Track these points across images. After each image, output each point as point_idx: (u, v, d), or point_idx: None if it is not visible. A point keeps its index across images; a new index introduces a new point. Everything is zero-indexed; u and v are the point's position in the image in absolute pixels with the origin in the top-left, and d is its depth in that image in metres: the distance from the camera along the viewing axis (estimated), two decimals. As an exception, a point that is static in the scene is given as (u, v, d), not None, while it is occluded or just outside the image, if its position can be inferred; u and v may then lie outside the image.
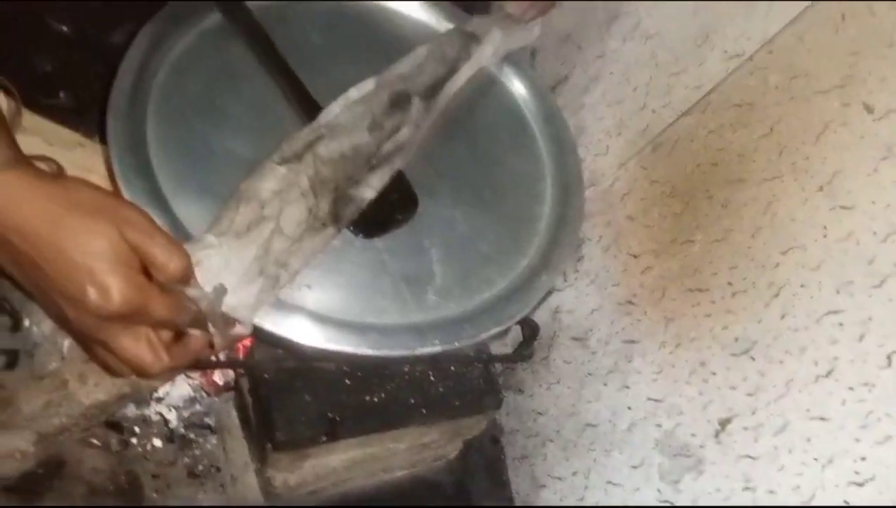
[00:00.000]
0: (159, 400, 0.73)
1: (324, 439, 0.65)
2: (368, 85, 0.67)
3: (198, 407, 0.74)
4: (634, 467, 0.71)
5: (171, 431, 0.73)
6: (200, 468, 0.73)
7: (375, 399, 0.67)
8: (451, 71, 0.73)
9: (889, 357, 0.51)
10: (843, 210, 0.56)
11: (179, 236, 0.56)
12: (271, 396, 0.65)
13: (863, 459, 0.52)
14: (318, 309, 0.58)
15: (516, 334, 0.76)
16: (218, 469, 0.74)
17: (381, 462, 0.77)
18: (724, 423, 0.62)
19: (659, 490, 0.68)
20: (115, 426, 0.70)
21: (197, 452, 0.73)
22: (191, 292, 0.49)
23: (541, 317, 0.83)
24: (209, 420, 0.74)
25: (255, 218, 0.55)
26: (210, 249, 0.53)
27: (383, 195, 0.63)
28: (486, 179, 0.74)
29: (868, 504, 0.52)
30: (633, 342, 0.73)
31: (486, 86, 0.80)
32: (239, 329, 0.53)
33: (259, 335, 0.57)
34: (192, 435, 0.73)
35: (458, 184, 0.71)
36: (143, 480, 0.70)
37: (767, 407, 0.59)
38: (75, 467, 0.67)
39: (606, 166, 0.80)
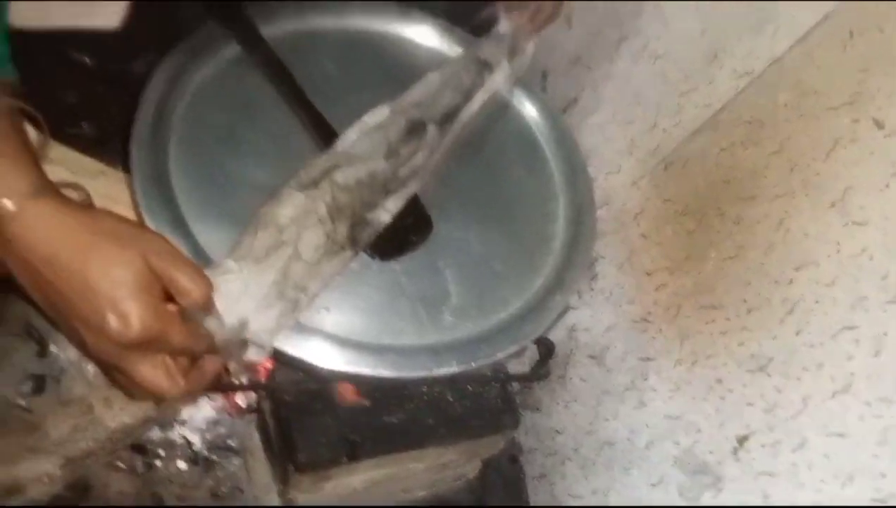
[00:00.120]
0: (183, 423, 0.74)
1: (345, 460, 0.66)
2: (383, 112, 0.69)
3: (221, 429, 0.75)
4: (653, 485, 0.71)
5: (195, 453, 0.74)
6: (224, 489, 0.74)
7: (394, 420, 0.68)
8: (466, 98, 0.75)
9: (905, 373, 0.52)
10: (856, 226, 0.56)
11: (200, 261, 0.57)
12: (293, 418, 0.66)
13: (883, 476, 0.52)
14: (337, 331, 0.59)
15: (533, 352, 0.77)
16: (241, 491, 0.74)
17: (401, 483, 0.77)
18: (741, 440, 0.62)
19: (678, 508, 0.68)
20: (140, 449, 0.72)
21: (220, 474, 0.74)
22: (210, 322, 0.50)
23: (557, 335, 0.83)
24: (232, 442, 0.75)
25: (273, 243, 0.57)
26: (230, 274, 0.54)
27: (399, 219, 0.65)
28: (499, 200, 0.75)
29: (889, 520, 0.52)
30: (648, 359, 0.73)
31: (498, 109, 0.82)
32: (255, 356, 0.54)
33: (279, 357, 0.58)
34: (215, 457, 0.74)
35: (472, 206, 0.72)
36: (168, 502, 0.71)
37: (785, 424, 0.59)
38: (101, 490, 0.69)
39: (619, 185, 0.80)
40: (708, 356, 0.67)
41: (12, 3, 0.52)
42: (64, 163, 0.66)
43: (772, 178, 0.63)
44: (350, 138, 0.66)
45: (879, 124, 0.55)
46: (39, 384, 0.64)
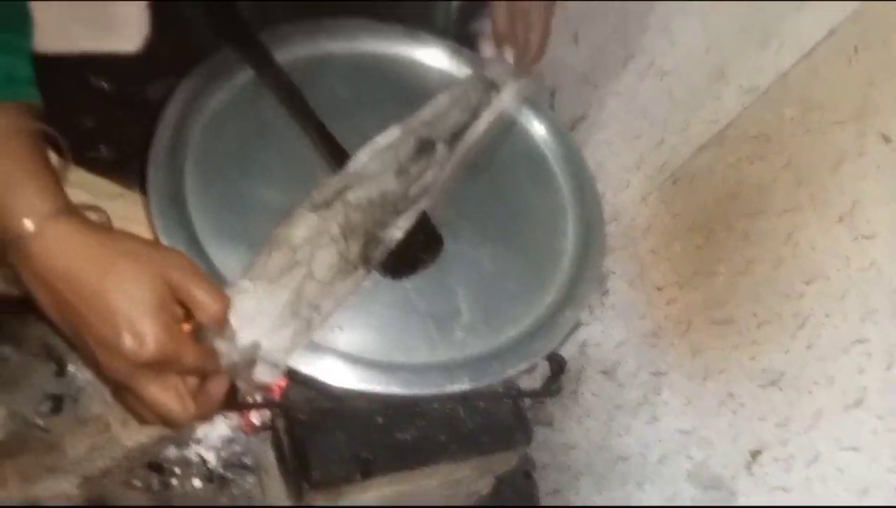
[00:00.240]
0: (198, 441, 0.75)
1: (358, 477, 0.67)
2: (394, 133, 0.70)
3: (236, 447, 0.76)
4: (667, 500, 0.71)
5: (211, 471, 0.74)
6: (239, 506, 0.74)
7: (407, 437, 0.69)
8: (474, 117, 0.76)
9: (917, 385, 0.52)
10: (865, 239, 0.56)
11: (215, 281, 0.58)
12: (306, 436, 0.66)
13: (897, 489, 0.52)
14: (350, 350, 0.60)
15: (545, 368, 0.77)
16: (256, 508, 0.75)
17: (415, 499, 0.78)
18: (755, 454, 0.62)
19: (692, 523, 0.68)
20: (157, 467, 0.72)
21: (235, 491, 0.75)
22: (221, 345, 0.51)
23: (568, 351, 0.83)
24: (247, 460, 0.76)
25: (287, 263, 0.58)
26: (244, 293, 0.55)
27: (410, 237, 0.65)
28: (508, 217, 0.75)
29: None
30: (660, 374, 0.73)
31: (506, 127, 0.82)
32: (268, 375, 0.55)
33: (293, 376, 0.58)
34: (230, 475, 0.75)
35: (482, 224, 0.73)
36: (184, 520, 0.72)
37: (798, 438, 0.59)
38: (118, 508, 0.69)
39: (627, 201, 0.81)
40: (720, 371, 0.67)
41: (31, 27, 0.53)
42: (83, 186, 0.67)
43: (779, 192, 0.63)
44: (361, 159, 0.67)
45: (886, 138, 0.55)
46: (57, 403, 0.65)
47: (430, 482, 0.75)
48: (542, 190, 0.80)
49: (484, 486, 0.85)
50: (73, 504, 0.66)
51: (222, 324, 0.51)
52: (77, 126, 0.80)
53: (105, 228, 0.50)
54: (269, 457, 0.75)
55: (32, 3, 0.52)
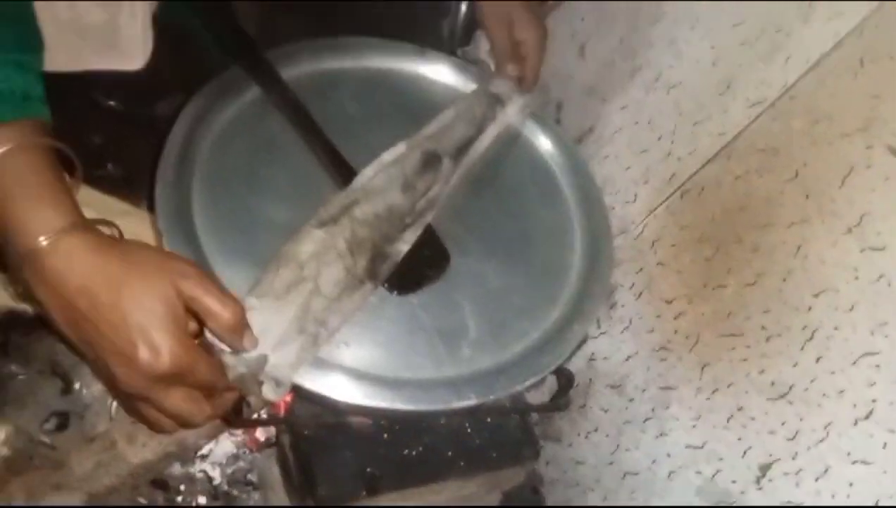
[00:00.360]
0: (203, 458, 0.75)
1: (364, 494, 0.66)
2: (400, 148, 0.70)
3: (241, 464, 0.76)
4: (677, 515, 0.70)
5: (216, 488, 0.74)
6: (244, 524, 0.74)
7: (413, 453, 0.68)
8: (479, 131, 0.76)
9: (929, 399, 0.51)
10: (874, 251, 0.56)
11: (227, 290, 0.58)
12: (312, 452, 0.66)
13: (909, 504, 0.52)
14: (356, 366, 0.59)
15: (552, 382, 0.76)
16: (261, 525, 0.75)
17: (422, 516, 0.77)
18: (764, 469, 0.62)
19: (703, 540, 0.67)
20: (162, 484, 0.72)
21: (241, 508, 0.74)
22: (228, 359, 0.51)
23: (576, 365, 0.83)
24: (252, 477, 0.76)
25: (294, 280, 0.58)
26: (251, 310, 0.55)
27: (416, 253, 0.65)
28: (515, 232, 0.75)
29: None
30: (669, 388, 0.73)
31: (512, 141, 0.83)
32: (274, 392, 0.55)
33: (299, 392, 0.58)
34: (235, 492, 0.75)
35: (488, 238, 0.73)
36: (190, 537, 0.71)
37: (808, 452, 0.58)
38: (124, 526, 0.69)
39: (635, 214, 0.81)
40: (729, 384, 0.66)
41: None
42: (90, 204, 0.67)
43: (788, 205, 0.63)
44: (367, 175, 0.67)
45: (893, 150, 0.55)
46: (63, 420, 0.65)
47: (437, 498, 0.74)
48: (549, 204, 0.80)
49: (491, 502, 0.84)
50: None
51: (240, 332, 0.51)
52: (85, 144, 0.81)
53: (118, 241, 0.50)
54: (275, 474, 0.74)
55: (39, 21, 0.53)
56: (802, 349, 0.60)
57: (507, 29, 0.81)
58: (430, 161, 0.70)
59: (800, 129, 0.63)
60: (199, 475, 0.74)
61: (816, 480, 0.57)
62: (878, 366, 0.54)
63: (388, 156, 0.69)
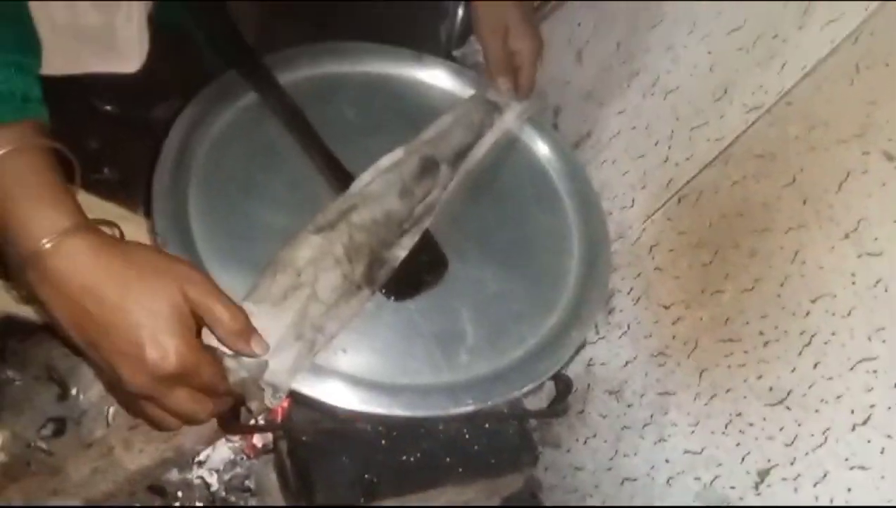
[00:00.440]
0: (201, 464, 0.75)
1: (362, 500, 0.66)
2: (398, 154, 0.70)
3: (238, 470, 0.76)
4: (676, 521, 0.70)
5: (213, 494, 0.74)
6: (241, 530, 0.74)
7: (411, 459, 0.68)
8: (477, 137, 0.76)
9: (927, 405, 0.51)
10: (871, 257, 0.56)
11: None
12: (310, 458, 0.66)
13: (907, 509, 0.52)
14: (353, 371, 0.59)
15: (550, 388, 0.76)
16: (258, 532, 0.75)
17: (420, 522, 0.77)
18: (762, 474, 0.62)
19: (701, 545, 0.67)
20: (159, 490, 0.72)
21: (238, 515, 0.74)
22: (230, 362, 0.51)
23: (574, 370, 0.83)
24: (249, 483, 0.76)
25: (291, 286, 0.57)
26: (248, 316, 0.55)
27: (413, 258, 0.65)
28: (512, 237, 0.75)
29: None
30: (667, 393, 0.73)
31: (509, 146, 0.83)
32: (272, 398, 0.55)
33: (296, 398, 0.58)
34: (232, 498, 0.74)
35: (486, 244, 0.73)
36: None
37: (806, 457, 0.58)
38: (121, 532, 0.69)
39: (633, 219, 0.81)
40: (727, 390, 0.66)
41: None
42: (87, 208, 0.67)
43: (785, 210, 0.63)
44: (365, 180, 0.67)
45: (889, 156, 0.55)
46: (60, 426, 0.65)
47: (435, 504, 0.74)
48: (547, 209, 0.80)
49: (490, 508, 0.84)
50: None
51: (247, 336, 0.51)
52: (81, 148, 0.80)
53: (122, 242, 0.50)
54: (272, 480, 0.74)
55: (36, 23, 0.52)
56: (800, 354, 0.60)
57: (501, 38, 0.81)
58: (428, 167, 0.70)
59: (796, 134, 0.63)
60: (197, 481, 0.74)
61: (815, 485, 0.57)
62: (875, 371, 0.54)
63: (385, 161, 0.69)
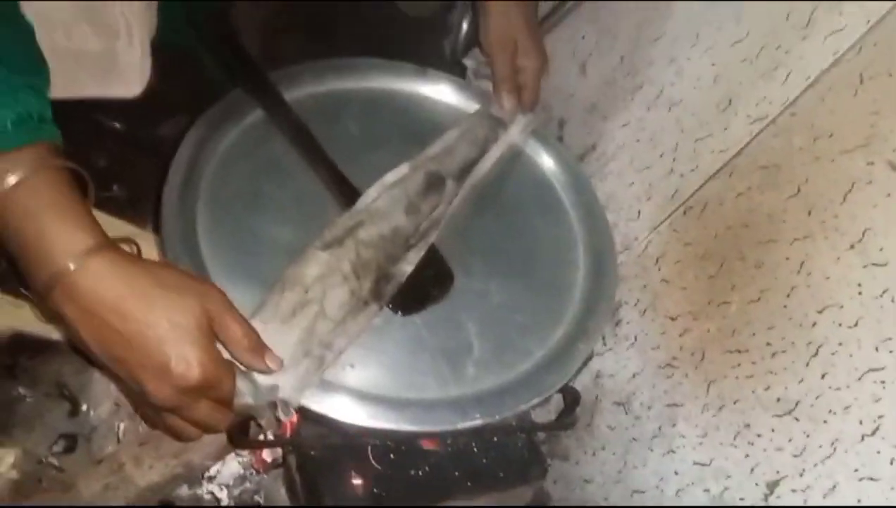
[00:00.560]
0: (211, 479, 0.75)
1: (371, 514, 0.66)
2: (403, 169, 0.70)
3: (247, 485, 0.76)
4: (685, 534, 0.70)
5: (223, 509, 0.74)
6: (251, 546, 0.74)
7: (420, 473, 0.68)
8: (482, 152, 0.76)
9: (935, 415, 0.51)
10: (877, 267, 0.56)
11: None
12: (318, 473, 0.66)
13: (918, 520, 0.51)
14: (361, 387, 0.60)
15: (558, 400, 0.76)
16: (268, 547, 0.75)
17: (429, 536, 0.77)
18: (772, 486, 0.61)
19: (712, 558, 0.66)
20: (169, 506, 0.72)
21: (247, 530, 0.74)
22: (242, 384, 0.52)
23: (582, 382, 0.83)
24: (259, 498, 0.76)
25: (299, 302, 0.58)
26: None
27: (419, 273, 0.65)
28: (518, 250, 0.75)
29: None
30: (676, 405, 0.73)
31: (514, 160, 0.83)
32: (281, 415, 0.55)
33: (305, 413, 0.58)
34: (242, 513, 0.75)
35: (492, 257, 0.73)
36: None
37: (815, 468, 0.58)
38: (132, 548, 0.69)
39: (639, 230, 0.81)
40: (735, 401, 0.66)
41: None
42: (96, 226, 0.68)
43: (790, 221, 0.63)
44: (371, 197, 0.67)
45: (894, 166, 0.55)
46: (71, 443, 0.66)
47: (444, 518, 0.74)
48: (552, 222, 0.80)
49: (499, 521, 0.84)
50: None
51: (261, 353, 0.53)
52: (90, 166, 0.80)
53: (143, 260, 0.51)
54: (281, 495, 0.74)
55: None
56: (808, 365, 0.60)
57: (510, 54, 0.81)
58: (434, 183, 0.70)
59: (801, 145, 0.64)
60: (207, 496, 0.74)
61: (824, 497, 0.57)
62: (883, 382, 0.54)
63: (391, 177, 0.69)
